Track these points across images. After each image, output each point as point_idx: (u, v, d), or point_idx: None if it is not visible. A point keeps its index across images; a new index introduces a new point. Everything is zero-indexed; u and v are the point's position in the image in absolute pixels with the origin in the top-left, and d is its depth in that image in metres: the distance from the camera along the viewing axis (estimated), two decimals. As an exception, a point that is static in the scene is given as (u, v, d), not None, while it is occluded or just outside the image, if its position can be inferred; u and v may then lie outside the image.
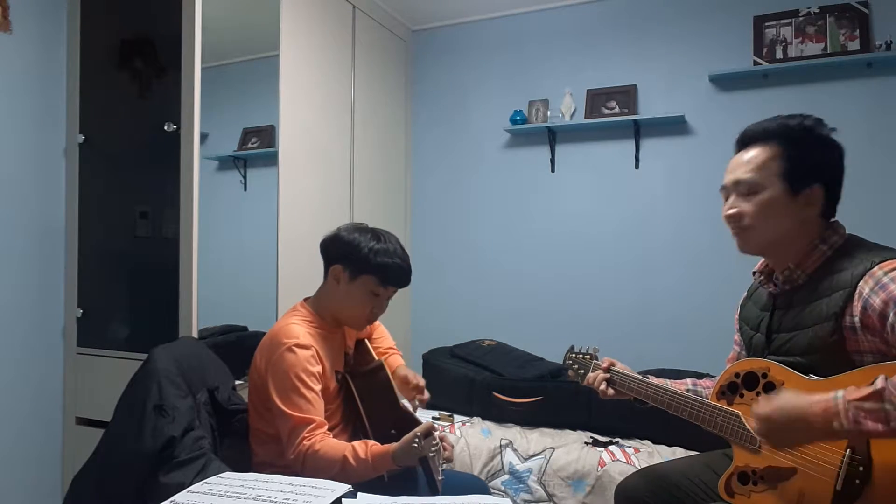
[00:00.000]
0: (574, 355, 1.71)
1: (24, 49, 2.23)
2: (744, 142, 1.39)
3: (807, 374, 1.26)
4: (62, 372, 2.37)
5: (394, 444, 1.41)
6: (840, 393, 1.07)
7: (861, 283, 1.19)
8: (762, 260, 1.46)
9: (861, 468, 1.14)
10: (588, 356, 1.69)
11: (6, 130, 2.18)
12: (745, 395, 1.35)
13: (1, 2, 2.13)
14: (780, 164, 1.31)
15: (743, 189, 1.34)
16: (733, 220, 1.36)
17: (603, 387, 1.58)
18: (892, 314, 1.12)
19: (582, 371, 1.67)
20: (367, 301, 1.62)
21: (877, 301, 1.16)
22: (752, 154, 1.34)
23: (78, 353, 2.35)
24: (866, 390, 1.05)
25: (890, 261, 1.19)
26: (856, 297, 1.20)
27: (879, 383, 1.04)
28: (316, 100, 2.82)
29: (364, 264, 1.59)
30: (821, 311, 1.25)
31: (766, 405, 1.17)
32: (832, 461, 1.17)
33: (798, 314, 1.31)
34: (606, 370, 1.60)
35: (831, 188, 1.31)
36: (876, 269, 1.19)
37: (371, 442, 1.46)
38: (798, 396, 1.14)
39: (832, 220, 1.35)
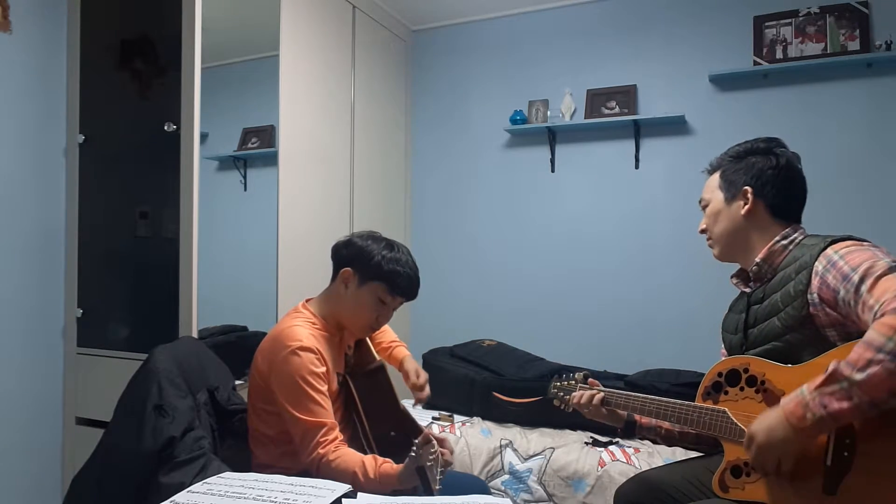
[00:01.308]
0: (558, 384, 1.73)
1: (24, 49, 2.23)
2: (709, 171, 1.60)
3: (785, 359, 1.32)
4: (62, 372, 2.37)
5: (400, 466, 1.40)
6: (804, 387, 1.17)
7: (816, 262, 1.30)
8: (739, 267, 1.56)
9: (847, 440, 1.18)
10: (573, 381, 1.70)
11: (6, 130, 2.18)
12: (729, 391, 1.40)
13: (1, 2, 2.13)
14: (719, 179, 1.54)
15: (702, 205, 1.59)
16: (703, 234, 1.59)
17: (595, 401, 1.60)
18: (842, 289, 1.22)
19: (567, 397, 1.69)
20: (373, 308, 1.64)
21: (829, 277, 1.26)
22: (711, 178, 1.59)
23: (78, 353, 2.35)
24: (822, 376, 1.14)
25: (842, 242, 1.30)
26: (813, 274, 1.30)
27: (832, 367, 1.13)
28: (316, 100, 2.82)
29: (375, 270, 1.60)
30: (789, 292, 1.34)
31: (751, 425, 1.25)
32: (819, 438, 1.20)
33: (770, 303, 1.39)
34: (588, 385, 1.65)
35: (762, 189, 1.45)
36: (829, 249, 1.30)
37: (381, 460, 1.46)
38: (771, 408, 1.23)
39: (797, 224, 1.46)
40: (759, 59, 2.87)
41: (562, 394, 1.70)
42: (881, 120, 2.70)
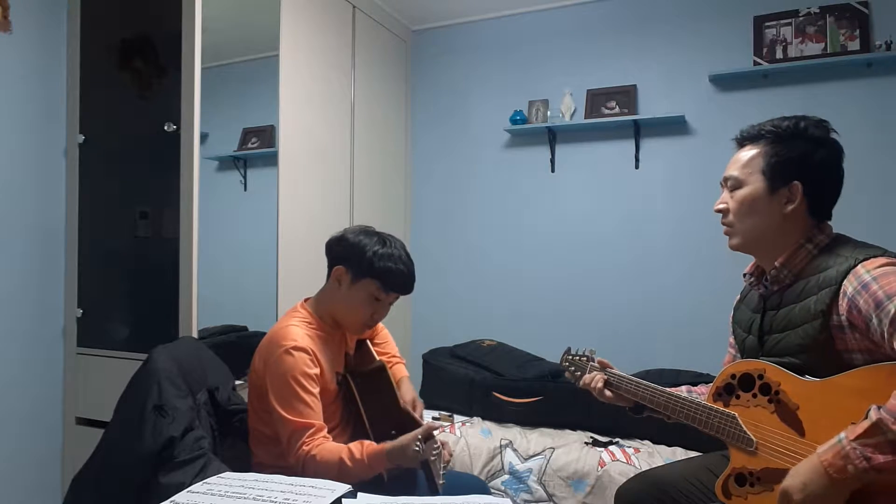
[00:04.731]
0: (570, 357, 1.71)
1: (24, 49, 2.23)
2: (740, 141, 1.42)
3: (802, 374, 1.26)
4: (62, 372, 2.37)
5: (389, 443, 1.41)
6: (843, 435, 1.07)
7: (845, 281, 1.20)
8: (753, 261, 1.46)
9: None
10: (584, 358, 1.68)
11: (6, 130, 2.18)
12: (741, 396, 1.34)
13: (1, 2, 2.13)
14: (762, 161, 1.34)
15: (730, 185, 1.39)
16: (720, 214, 1.42)
17: (599, 385, 1.57)
18: (874, 314, 1.12)
19: (578, 373, 1.67)
20: (367, 305, 1.61)
21: (860, 301, 1.16)
22: (744, 152, 1.39)
23: (78, 353, 2.35)
24: (864, 425, 1.05)
25: (873, 259, 1.19)
26: (841, 295, 1.20)
27: (874, 415, 1.04)
28: (316, 100, 2.82)
29: (367, 268, 1.58)
30: (809, 309, 1.25)
31: (784, 481, 1.15)
32: None
33: (788, 314, 1.31)
34: (602, 370, 1.61)
35: (812, 186, 1.31)
36: (859, 267, 1.19)
37: (367, 442, 1.47)
38: (808, 458, 1.13)
39: (826, 221, 1.35)
40: (759, 59, 2.87)
41: (573, 368, 1.68)
42: (881, 120, 2.70)
